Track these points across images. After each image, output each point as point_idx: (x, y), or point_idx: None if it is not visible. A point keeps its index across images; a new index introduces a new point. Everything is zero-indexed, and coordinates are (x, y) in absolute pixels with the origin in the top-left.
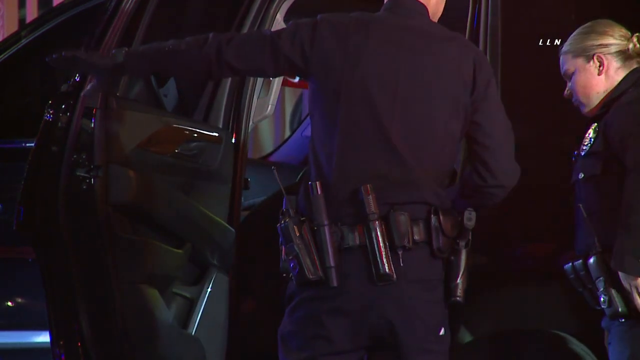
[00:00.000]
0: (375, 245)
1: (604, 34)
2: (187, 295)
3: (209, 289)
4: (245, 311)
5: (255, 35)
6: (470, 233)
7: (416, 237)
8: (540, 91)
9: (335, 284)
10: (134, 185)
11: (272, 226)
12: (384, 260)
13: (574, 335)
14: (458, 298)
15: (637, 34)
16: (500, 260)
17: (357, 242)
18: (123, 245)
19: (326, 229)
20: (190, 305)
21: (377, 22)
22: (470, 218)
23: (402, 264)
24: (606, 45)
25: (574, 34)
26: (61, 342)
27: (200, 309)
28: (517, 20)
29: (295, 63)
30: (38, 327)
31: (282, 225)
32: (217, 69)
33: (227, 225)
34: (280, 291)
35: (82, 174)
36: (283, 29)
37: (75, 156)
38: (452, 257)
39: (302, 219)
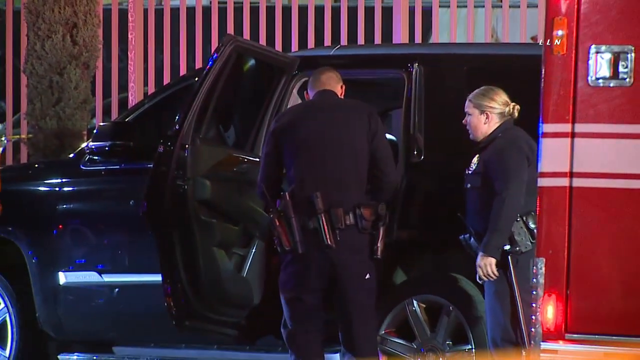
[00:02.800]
0: (322, 228)
1: (492, 99)
2: (241, 253)
3: (254, 250)
4: (274, 264)
5: (262, 164)
6: (387, 216)
7: (347, 222)
8: (449, 133)
9: (301, 251)
10: (210, 189)
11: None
12: (328, 236)
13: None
14: (378, 256)
15: (514, 104)
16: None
17: (312, 226)
18: (204, 224)
19: (294, 219)
20: (243, 260)
21: (311, 104)
22: (382, 208)
23: (339, 239)
24: (492, 107)
25: (478, 90)
26: (168, 281)
27: (248, 262)
28: (433, 92)
29: (281, 148)
30: (154, 271)
31: (269, 217)
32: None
33: (264, 212)
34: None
35: (180, 183)
36: (266, 142)
37: (175, 172)
38: (374, 232)
39: (280, 213)
